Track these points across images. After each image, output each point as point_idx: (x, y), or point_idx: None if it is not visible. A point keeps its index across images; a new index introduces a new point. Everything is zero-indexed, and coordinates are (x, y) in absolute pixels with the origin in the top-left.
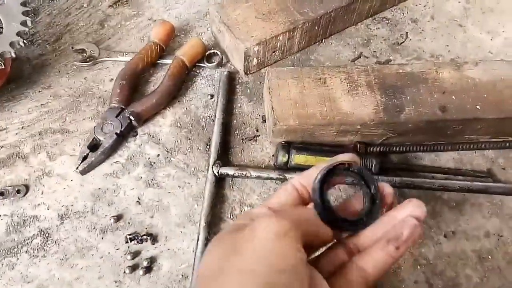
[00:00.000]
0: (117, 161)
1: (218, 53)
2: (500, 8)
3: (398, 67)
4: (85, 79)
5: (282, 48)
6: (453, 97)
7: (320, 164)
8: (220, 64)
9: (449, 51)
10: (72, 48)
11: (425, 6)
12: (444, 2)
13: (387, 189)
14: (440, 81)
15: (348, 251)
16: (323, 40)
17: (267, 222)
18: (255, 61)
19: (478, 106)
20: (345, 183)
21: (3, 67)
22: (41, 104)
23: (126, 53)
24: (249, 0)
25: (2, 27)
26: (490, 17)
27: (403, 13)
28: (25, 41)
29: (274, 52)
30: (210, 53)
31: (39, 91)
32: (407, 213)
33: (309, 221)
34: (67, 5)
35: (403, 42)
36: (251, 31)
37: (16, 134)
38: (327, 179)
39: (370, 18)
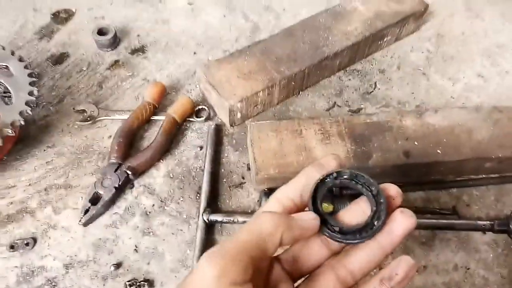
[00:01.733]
0: (115, 212)
1: (206, 108)
2: (460, 56)
3: (366, 117)
4: (86, 137)
5: (263, 102)
6: (416, 142)
7: (305, 171)
8: (208, 118)
9: (414, 98)
10: (74, 109)
11: (391, 57)
12: (409, 53)
13: (392, 191)
14: (403, 128)
15: (339, 278)
16: (300, 93)
17: (202, 266)
18: (239, 115)
19: (438, 150)
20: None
21: (14, 134)
22: (46, 162)
23: (123, 112)
24: (232, 62)
25: (11, 97)
26: (451, 65)
27: (371, 65)
28: (32, 109)
29: (255, 106)
30: (198, 108)
31: (44, 150)
32: (404, 227)
33: (261, 238)
34: (68, 69)
35: (373, 91)
36: (234, 89)
37: (24, 190)
38: (319, 193)
39: (342, 71)
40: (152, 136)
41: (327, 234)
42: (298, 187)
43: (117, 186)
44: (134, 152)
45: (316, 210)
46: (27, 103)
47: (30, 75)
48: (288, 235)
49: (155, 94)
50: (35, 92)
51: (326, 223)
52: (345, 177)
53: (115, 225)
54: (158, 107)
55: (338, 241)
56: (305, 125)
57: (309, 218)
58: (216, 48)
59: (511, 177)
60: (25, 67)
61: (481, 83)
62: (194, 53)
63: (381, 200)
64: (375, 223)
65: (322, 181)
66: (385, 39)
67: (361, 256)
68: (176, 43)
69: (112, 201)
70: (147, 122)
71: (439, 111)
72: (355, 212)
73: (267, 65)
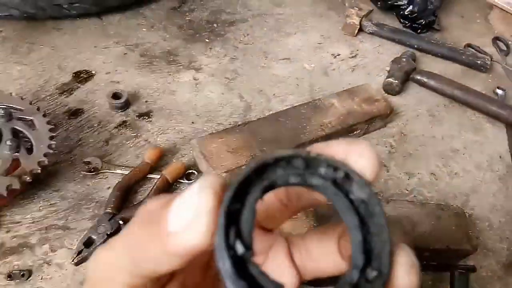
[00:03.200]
0: None
1: (196, 173)
2: (418, 155)
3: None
4: (88, 186)
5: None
6: None
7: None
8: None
9: (374, 186)
10: (81, 160)
11: None
12: (374, 146)
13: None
14: None
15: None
16: None
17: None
18: None
19: None
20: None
21: (31, 180)
22: (50, 204)
23: (124, 168)
24: (223, 137)
25: (32, 147)
26: (409, 161)
27: None
28: (49, 160)
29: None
30: (189, 172)
31: (50, 193)
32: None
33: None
34: (81, 123)
35: None
36: (222, 161)
37: (27, 227)
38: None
39: None
40: (146, 192)
41: None
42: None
43: (109, 233)
44: (128, 204)
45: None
46: (45, 155)
47: (50, 130)
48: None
49: (153, 157)
50: (53, 146)
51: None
52: (296, 167)
53: None
54: (154, 167)
55: None
56: None
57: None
58: (212, 120)
59: (445, 265)
60: (47, 122)
61: (433, 180)
62: (192, 122)
63: (378, 222)
64: (367, 274)
65: (247, 182)
66: (355, 133)
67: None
68: (178, 112)
69: None
70: (143, 179)
71: (391, 202)
72: (318, 249)
73: (252, 144)
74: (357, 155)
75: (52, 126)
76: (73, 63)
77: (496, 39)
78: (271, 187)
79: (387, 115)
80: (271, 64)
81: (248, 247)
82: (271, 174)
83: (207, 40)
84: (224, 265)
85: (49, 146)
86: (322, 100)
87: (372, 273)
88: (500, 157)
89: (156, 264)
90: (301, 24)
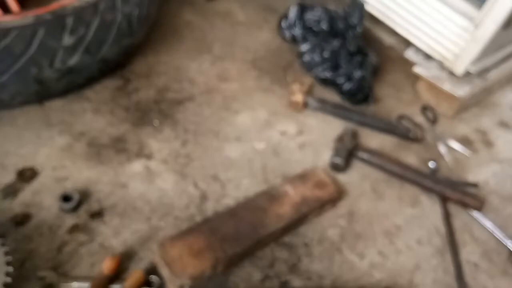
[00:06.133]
0: None
1: (157, 279)
2: (366, 234)
3: None
4: None
5: (208, 274)
6: None
7: None
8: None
9: (330, 272)
10: (34, 274)
11: (313, 232)
12: (327, 228)
13: None
14: None
15: None
16: (239, 263)
17: None
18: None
19: None
20: None
21: None
22: None
23: (80, 279)
24: (183, 239)
25: None
26: (359, 241)
27: (297, 238)
28: None
29: (202, 275)
30: (150, 278)
31: None
32: None
33: None
34: (30, 231)
35: (297, 264)
36: (185, 267)
37: None
38: None
39: (274, 242)
40: None
41: None
42: None
43: None
44: None
45: None
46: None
47: (6, 253)
48: None
49: (110, 267)
50: (10, 269)
51: None
52: None
53: None
54: (114, 276)
55: None
56: None
57: None
58: (168, 214)
59: None
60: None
61: (381, 260)
62: (149, 219)
63: None
64: None
65: None
66: (309, 217)
67: None
68: (132, 208)
69: None
70: None
71: None
72: None
73: (214, 244)
74: None
75: (7, 250)
76: (15, 159)
77: (424, 109)
78: None
79: (339, 198)
80: (222, 145)
81: None
82: None
83: (155, 124)
84: None
85: (7, 274)
86: (277, 188)
87: None
88: (437, 230)
89: None
90: (248, 100)
